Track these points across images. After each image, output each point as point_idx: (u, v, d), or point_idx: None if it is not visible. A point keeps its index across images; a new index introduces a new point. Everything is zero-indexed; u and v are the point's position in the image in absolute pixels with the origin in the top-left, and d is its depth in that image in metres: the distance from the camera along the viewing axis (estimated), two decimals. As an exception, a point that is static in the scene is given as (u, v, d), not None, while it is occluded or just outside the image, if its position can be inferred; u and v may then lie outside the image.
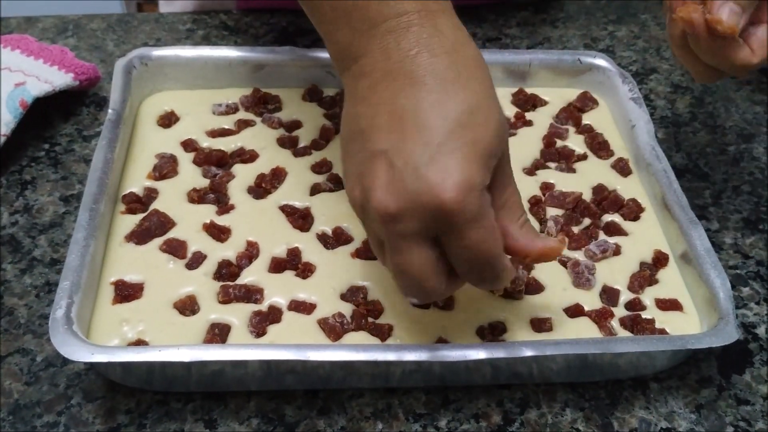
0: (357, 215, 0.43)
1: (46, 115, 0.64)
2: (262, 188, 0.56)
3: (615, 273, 0.52)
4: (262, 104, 0.63)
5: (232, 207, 0.55)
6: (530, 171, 0.59)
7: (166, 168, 0.57)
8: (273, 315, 0.49)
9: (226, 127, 0.61)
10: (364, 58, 0.42)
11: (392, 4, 0.42)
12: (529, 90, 0.66)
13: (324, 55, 0.64)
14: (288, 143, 0.60)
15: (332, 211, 0.55)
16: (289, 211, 0.55)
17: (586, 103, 0.65)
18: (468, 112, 0.40)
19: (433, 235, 0.40)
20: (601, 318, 0.50)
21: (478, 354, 0.45)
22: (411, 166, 0.39)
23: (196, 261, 0.51)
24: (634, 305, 0.51)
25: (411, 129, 0.39)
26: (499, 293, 0.50)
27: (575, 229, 0.55)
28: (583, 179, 0.59)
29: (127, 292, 0.49)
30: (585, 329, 0.49)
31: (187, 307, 0.49)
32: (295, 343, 0.46)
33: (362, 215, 0.42)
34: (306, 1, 0.47)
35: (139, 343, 0.47)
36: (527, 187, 0.58)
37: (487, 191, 0.40)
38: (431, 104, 0.40)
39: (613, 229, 0.55)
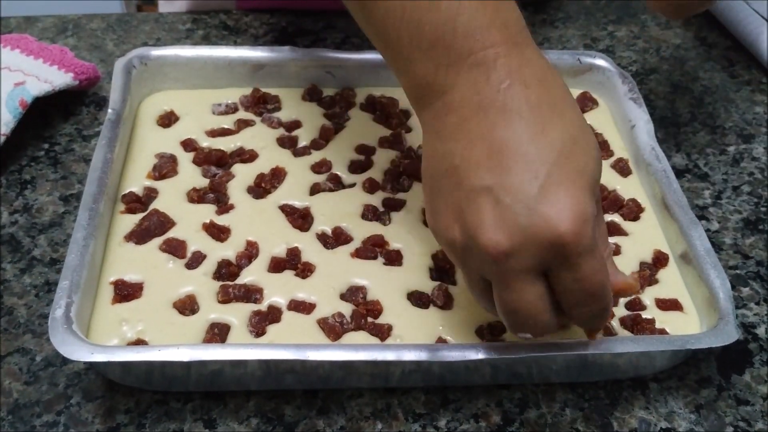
0: (453, 255, 0.42)
1: (46, 115, 0.64)
2: (261, 188, 0.56)
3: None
4: (262, 104, 0.63)
5: (231, 207, 0.55)
6: (530, 171, 0.59)
7: (165, 168, 0.57)
8: (272, 315, 0.49)
9: (226, 126, 0.61)
10: (450, 93, 0.41)
11: (479, 38, 0.40)
12: (528, 90, 0.65)
13: (323, 54, 0.64)
14: (288, 143, 0.60)
15: (332, 211, 0.55)
16: (288, 211, 0.55)
17: (585, 103, 0.65)
18: (570, 141, 0.39)
19: (544, 270, 0.40)
20: (600, 318, 0.50)
21: (478, 354, 0.45)
22: (521, 201, 0.38)
23: (195, 261, 0.51)
24: (634, 305, 0.51)
25: (514, 163, 0.38)
26: (599, 335, 0.46)
27: (575, 229, 0.55)
28: (583, 179, 0.59)
29: (126, 292, 0.49)
30: (585, 329, 0.49)
31: (187, 306, 0.49)
32: (295, 343, 0.46)
33: (463, 255, 0.41)
34: (378, 33, 0.45)
35: (139, 342, 0.47)
36: (527, 187, 0.58)
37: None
38: (532, 136, 0.39)
39: (613, 229, 0.55)
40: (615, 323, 0.50)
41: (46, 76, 0.63)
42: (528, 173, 0.38)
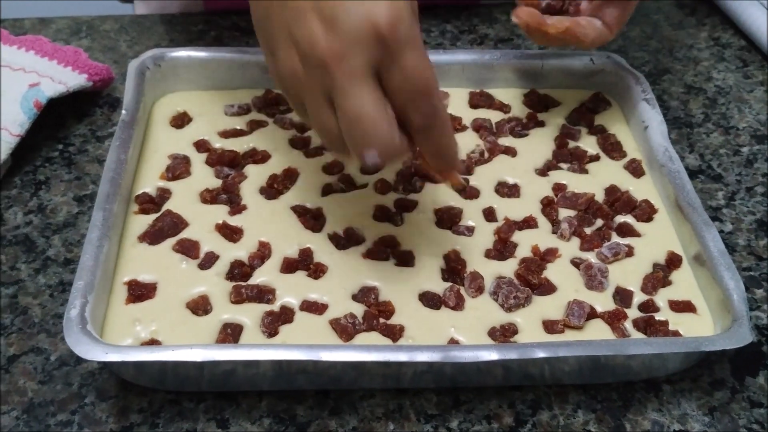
0: (288, 84, 0.44)
1: (60, 116, 0.65)
2: (274, 189, 0.57)
3: (628, 274, 0.52)
4: (274, 105, 0.63)
5: (244, 207, 0.55)
6: (542, 172, 0.59)
7: (178, 168, 0.57)
8: (285, 315, 0.49)
9: (238, 127, 0.61)
10: None
11: None
12: (541, 91, 0.65)
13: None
14: (300, 144, 0.60)
15: (344, 212, 0.55)
16: (300, 212, 0.55)
17: (598, 103, 0.65)
18: None
19: (377, 72, 0.41)
20: (614, 319, 0.49)
21: (490, 355, 0.45)
22: (340, 6, 0.41)
23: (208, 261, 0.52)
24: (648, 307, 0.51)
25: None
26: (452, 178, 0.49)
27: (587, 230, 0.55)
28: (596, 180, 0.59)
29: (140, 292, 0.49)
30: (598, 331, 0.49)
31: (200, 307, 0.49)
32: (307, 344, 0.46)
33: (306, 80, 0.43)
34: None
35: (152, 342, 0.47)
36: (539, 188, 0.58)
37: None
38: None
39: (626, 230, 0.55)
40: (628, 325, 0.50)
41: (60, 78, 0.63)
42: None
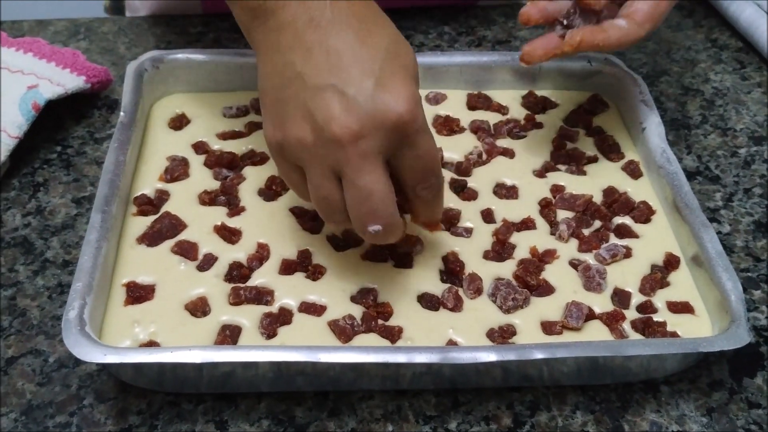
0: (291, 151, 0.46)
1: (59, 118, 0.65)
2: (272, 190, 0.57)
3: (626, 275, 0.52)
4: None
5: (242, 209, 0.55)
6: (540, 173, 0.59)
7: (177, 170, 0.57)
8: (283, 317, 0.49)
9: (237, 129, 0.61)
10: (281, 12, 0.46)
11: None
12: (539, 92, 0.66)
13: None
14: (298, 145, 0.60)
15: (342, 214, 0.55)
16: (299, 213, 0.55)
17: (596, 105, 0.65)
18: (394, 43, 0.46)
19: (389, 155, 0.45)
20: (612, 320, 0.50)
21: (489, 356, 0.45)
22: (363, 92, 0.43)
23: (207, 263, 0.52)
24: (646, 308, 0.51)
25: (351, 62, 0.44)
26: (436, 228, 0.52)
27: (586, 232, 0.55)
28: (594, 182, 0.59)
29: (138, 294, 0.49)
30: (596, 332, 0.49)
31: (198, 308, 0.49)
32: (306, 345, 0.46)
33: (313, 152, 0.45)
34: None
35: (151, 344, 0.47)
36: (537, 189, 0.58)
37: None
38: (362, 41, 0.45)
39: (624, 232, 0.55)
40: (626, 326, 0.50)
41: (58, 79, 0.63)
42: (364, 70, 0.44)
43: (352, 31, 0.45)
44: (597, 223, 0.56)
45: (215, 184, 0.57)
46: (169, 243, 0.52)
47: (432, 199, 0.48)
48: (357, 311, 0.49)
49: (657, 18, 0.56)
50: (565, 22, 0.55)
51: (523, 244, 0.54)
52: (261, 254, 0.52)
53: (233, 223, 0.54)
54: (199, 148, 0.60)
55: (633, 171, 0.60)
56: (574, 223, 0.55)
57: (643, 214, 0.56)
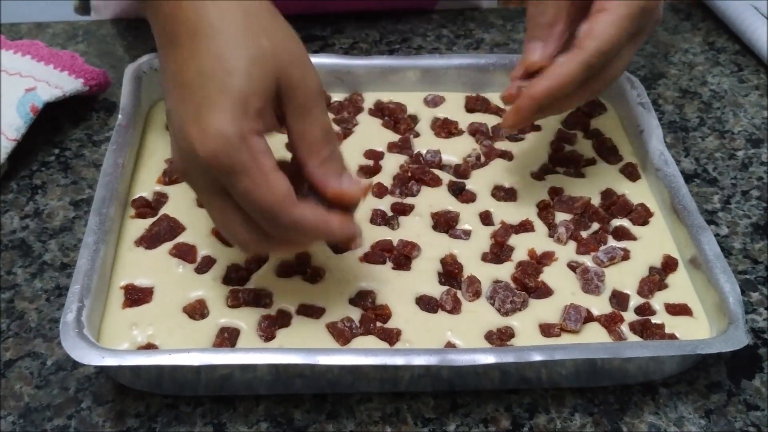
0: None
1: (57, 120, 0.65)
2: (270, 193, 0.56)
3: (624, 277, 0.52)
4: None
5: (241, 211, 0.55)
6: (539, 176, 0.59)
7: (175, 173, 0.57)
8: (282, 319, 0.49)
9: (235, 132, 0.61)
10: (155, 23, 0.45)
11: None
12: (537, 95, 0.65)
13: (332, 59, 0.65)
14: (296, 148, 0.60)
15: (341, 216, 0.55)
16: (297, 216, 0.55)
17: (594, 108, 0.65)
18: (215, 60, 0.40)
19: (223, 186, 0.41)
20: (610, 322, 0.50)
21: (487, 359, 0.45)
22: (177, 124, 0.41)
23: (205, 265, 0.52)
24: (644, 310, 0.51)
25: (176, 89, 0.42)
26: (349, 246, 0.48)
27: (584, 234, 0.55)
28: (592, 184, 0.59)
29: (136, 296, 0.49)
30: (594, 334, 0.49)
31: (197, 311, 0.49)
32: (304, 348, 0.46)
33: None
34: None
35: (149, 346, 0.47)
36: (535, 192, 0.58)
37: (259, 136, 0.40)
38: (184, 61, 0.41)
39: (622, 234, 0.55)
40: (625, 328, 0.50)
41: (56, 82, 0.63)
42: (183, 98, 0.41)
43: (180, 49, 0.42)
44: (595, 226, 0.56)
45: (213, 187, 0.57)
46: (168, 245, 0.52)
47: (285, 241, 0.44)
48: (355, 313, 0.49)
49: (600, 34, 0.48)
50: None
51: (522, 246, 0.54)
52: (259, 257, 0.52)
53: (231, 225, 0.54)
54: (198, 150, 0.60)
55: (631, 173, 0.60)
56: (572, 226, 0.55)
57: (641, 216, 0.56)
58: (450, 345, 0.48)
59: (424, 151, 0.60)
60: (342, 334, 0.48)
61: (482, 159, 0.60)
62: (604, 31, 0.48)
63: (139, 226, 0.53)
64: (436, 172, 0.59)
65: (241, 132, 0.39)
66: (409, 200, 0.57)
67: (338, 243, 0.48)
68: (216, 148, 0.39)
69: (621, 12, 0.49)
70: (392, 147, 0.61)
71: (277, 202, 0.41)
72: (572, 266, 0.53)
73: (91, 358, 0.43)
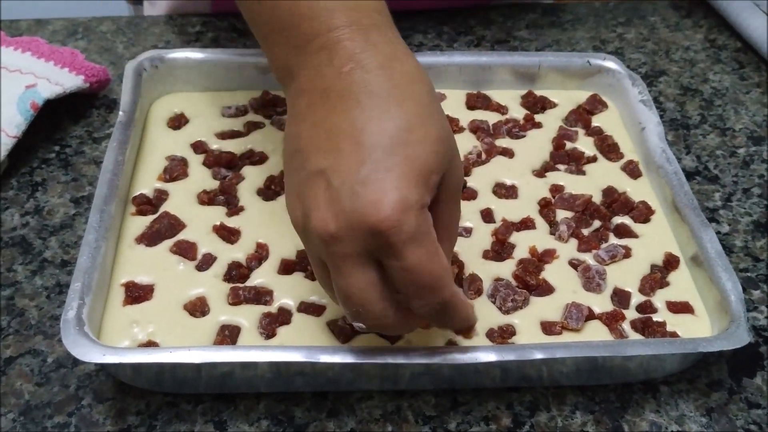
0: (299, 235, 0.42)
1: (57, 117, 0.65)
2: (271, 190, 0.56)
3: (626, 275, 0.52)
4: (271, 107, 0.63)
5: (241, 209, 0.55)
6: (540, 173, 0.59)
7: (176, 170, 0.57)
8: (282, 317, 0.49)
9: (236, 129, 0.61)
10: (300, 77, 0.42)
11: (323, 20, 0.41)
12: (538, 92, 0.65)
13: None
14: (297, 145, 0.60)
15: (342, 213, 0.55)
16: (298, 213, 0.55)
17: (595, 105, 0.65)
18: (405, 129, 0.39)
19: (376, 258, 0.39)
20: (611, 320, 0.49)
21: (488, 357, 0.45)
22: (348, 185, 0.38)
23: (206, 263, 0.51)
24: (645, 308, 0.51)
25: (347, 148, 0.39)
26: (467, 335, 0.48)
27: (585, 231, 0.55)
28: (593, 181, 0.59)
29: (137, 294, 0.49)
30: (596, 332, 0.49)
31: (197, 308, 0.49)
32: (305, 345, 0.46)
33: (303, 236, 0.41)
34: (249, 17, 0.47)
35: (150, 344, 0.47)
36: (536, 189, 0.58)
37: (429, 210, 0.39)
38: (365, 122, 0.39)
39: (624, 232, 0.55)
40: (626, 326, 0.50)
41: (57, 79, 0.63)
42: (358, 159, 0.38)
43: (360, 109, 0.39)
44: (596, 223, 0.56)
45: (214, 184, 0.57)
46: (168, 243, 0.52)
47: (437, 317, 0.41)
48: (356, 311, 0.49)
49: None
50: None
51: (523, 244, 0.54)
52: (260, 254, 0.52)
53: (232, 222, 0.54)
54: (198, 147, 0.59)
55: (632, 171, 0.60)
56: (573, 223, 0.55)
57: (643, 214, 0.56)
58: (451, 343, 0.48)
59: (425, 149, 0.60)
60: (343, 332, 0.48)
61: (483, 156, 0.60)
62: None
63: (139, 224, 0.53)
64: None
65: (423, 202, 0.38)
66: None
67: (461, 331, 0.47)
68: (398, 214, 0.37)
69: None
70: (393, 144, 0.61)
71: (444, 274, 0.39)
72: (573, 264, 0.53)
73: (92, 355, 0.43)
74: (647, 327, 0.49)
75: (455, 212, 0.43)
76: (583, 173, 0.60)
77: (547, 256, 0.53)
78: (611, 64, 0.65)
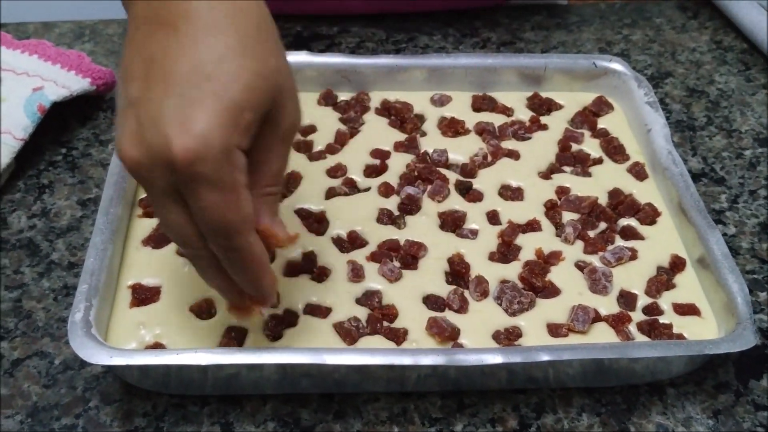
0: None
1: (64, 120, 0.65)
2: (277, 192, 0.57)
3: (632, 277, 0.52)
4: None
5: (247, 211, 0.55)
6: (546, 175, 0.59)
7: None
8: (289, 319, 0.49)
9: (242, 131, 0.61)
10: (137, 4, 0.40)
11: None
12: (544, 94, 0.65)
13: (338, 59, 0.65)
14: (303, 147, 0.60)
15: (347, 215, 0.55)
16: (304, 215, 0.55)
17: (601, 107, 0.65)
18: (216, 61, 0.37)
19: (179, 191, 0.38)
20: (618, 322, 0.49)
21: (495, 358, 0.45)
22: (151, 117, 0.37)
23: (212, 265, 0.52)
24: (652, 310, 0.51)
25: (156, 77, 0.37)
26: (260, 305, 0.44)
27: (591, 234, 0.55)
28: (599, 183, 0.59)
29: (144, 296, 0.49)
30: (602, 334, 0.49)
31: (204, 310, 0.49)
32: (311, 347, 0.46)
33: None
34: None
35: (157, 346, 0.47)
36: (542, 191, 0.58)
37: (240, 151, 0.38)
38: (178, 52, 0.37)
39: (630, 234, 0.55)
40: (632, 328, 0.49)
41: (63, 82, 0.64)
42: (165, 90, 0.37)
43: (176, 36, 0.38)
44: (602, 225, 0.56)
45: (220, 186, 0.57)
46: (174, 245, 0.52)
47: (229, 263, 0.40)
48: (362, 313, 0.49)
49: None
50: None
51: (529, 245, 0.54)
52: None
53: (238, 225, 0.54)
54: (204, 150, 0.60)
55: (638, 173, 0.59)
56: (579, 225, 0.55)
57: (649, 215, 0.56)
58: (457, 345, 0.48)
59: (430, 151, 0.60)
60: (349, 334, 0.48)
61: (489, 158, 0.60)
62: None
63: (146, 226, 0.54)
64: (443, 171, 0.59)
65: (227, 144, 0.37)
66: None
67: (251, 298, 0.44)
68: (196, 154, 0.36)
69: None
70: (399, 146, 0.61)
71: (239, 222, 0.38)
72: (580, 266, 0.53)
73: (99, 357, 0.43)
74: (654, 329, 0.49)
75: (279, 157, 0.41)
76: (589, 175, 0.59)
77: (553, 258, 0.53)
78: (617, 65, 0.65)
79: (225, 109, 0.37)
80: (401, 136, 0.62)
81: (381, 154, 0.60)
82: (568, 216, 0.56)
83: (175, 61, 0.37)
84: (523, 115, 0.64)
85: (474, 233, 0.55)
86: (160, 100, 0.37)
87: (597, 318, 0.50)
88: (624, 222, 0.56)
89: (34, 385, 0.48)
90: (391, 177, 0.58)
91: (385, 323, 0.49)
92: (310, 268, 0.52)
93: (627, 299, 0.51)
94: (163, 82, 0.37)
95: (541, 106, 0.65)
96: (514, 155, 0.61)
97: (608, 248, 0.54)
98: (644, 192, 0.58)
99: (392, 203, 0.56)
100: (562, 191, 0.58)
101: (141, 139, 0.37)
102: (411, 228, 0.55)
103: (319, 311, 0.49)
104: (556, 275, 0.52)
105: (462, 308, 0.50)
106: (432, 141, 0.61)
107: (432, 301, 0.50)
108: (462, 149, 0.61)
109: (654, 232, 0.55)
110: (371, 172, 0.59)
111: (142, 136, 0.37)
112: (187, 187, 0.37)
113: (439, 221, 0.55)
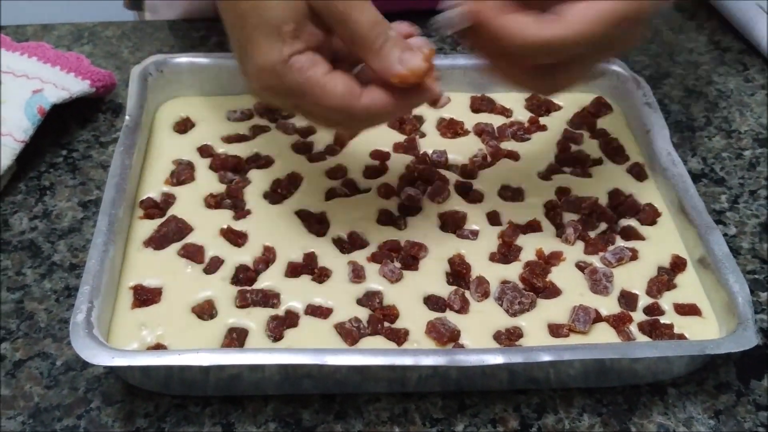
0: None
1: (64, 122, 0.65)
2: (278, 193, 0.57)
3: (633, 277, 0.52)
4: (276, 110, 0.63)
5: (248, 212, 0.55)
6: (545, 176, 0.59)
7: (183, 174, 0.57)
8: (290, 319, 0.49)
9: (241, 133, 0.61)
10: None
11: None
12: (542, 95, 0.66)
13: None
14: (303, 149, 0.60)
15: (348, 216, 0.55)
16: (305, 216, 0.55)
17: (600, 108, 0.65)
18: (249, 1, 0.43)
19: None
20: (619, 323, 0.49)
21: (496, 359, 0.45)
22: (238, 64, 0.45)
23: (213, 266, 0.52)
24: (653, 310, 0.51)
25: (228, 31, 0.45)
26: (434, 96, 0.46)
27: (592, 234, 0.55)
28: (599, 184, 0.59)
29: (145, 297, 0.50)
30: (603, 334, 0.49)
31: (205, 311, 0.49)
32: (312, 348, 0.46)
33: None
34: None
35: (158, 347, 0.47)
36: (543, 191, 0.58)
37: (300, 53, 0.43)
38: (228, 5, 0.44)
39: (630, 234, 0.55)
40: (633, 328, 0.50)
41: (63, 84, 0.64)
42: (232, 39, 0.45)
43: None
44: (603, 226, 0.56)
45: (221, 188, 0.57)
46: (176, 246, 0.52)
47: (374, 123, 0.48)
48: (363, 314, 0.49)
49: (592, 20, 0.42)
50: None
51: (529, 246, 0.54)
52: (267, 257, 0.52)
53: (239, 226, 0.54)
54: (204, 151, 0.60)
55: (638, 173, 0.60)
56: (580, 226, 0.55)
57: (649, 216, 0.56)
58: (458, 345, 0.48)
59: (430, 152, 0.60)
60: (350, 335, 0.48)
61: (488, 159, 0.60)
62: (599, 21, 0.43)
63: (147, 227, 0.54)
64: (443, 172, 0.59)
65: (281, 57, 0.42)
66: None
67: (425, 102, 0.46)
68: (267, 81, 0.43)
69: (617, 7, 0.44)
70: (398, 147, 0.61)
71: (341, 102, 0.43)
72: (580, 266, 0.53)
73: (101, 358, 0.43)
74: (654, 329, 0.49)
75: (356, 24, 0.43)
76: (589, 176, 0.60)
77: (554, 258, 0.53)
78: (615, 66, 0.65)
79: (265, 35, 0.42)
80: (400, 137, 0.62)
81: (380, 156, 0.60)
82: (568, 217, 0.56)
83: (227, 15, 0.45)
84: (522, 116, 0.64)
85: (474, 234, 0.55)
86: (233, 48, 0.45)
87: (598, 318, 0.50)
88: (624, 223, 0.56)
89: (36, 386, 0.48)
90: (391, 178, 0.58)
91: (386, 324, 0.49)
92: (310, 269, 0.52)
93: (628, 299, 0.51)
94: (229, 32, 0.46)
95: (540, 107, 0.65)
96: (513, 156, 0.61)
97: (609, 249, 0.54)
98: (644, 192, 0.58)
99: (392, 204, 0.56)
100: (562, 192, 0.58)
101: (246, 81, 0.45)
102: (411, 229, 0.55)
103: (320, 312, 0.49)
104: (556, 276, 0.52)
105: (463, 309, 0.50)
106: (431, 142, 0.61)
107: (433, 302, 0.50)
108: (461, 150, 0.61)
109: (654, 233, 0.56)
110: (371, 173, 0.59)
111: (244, 78, 0.45)
112: (284, 100, 0.45)
113: (439, 222, 0.55)
